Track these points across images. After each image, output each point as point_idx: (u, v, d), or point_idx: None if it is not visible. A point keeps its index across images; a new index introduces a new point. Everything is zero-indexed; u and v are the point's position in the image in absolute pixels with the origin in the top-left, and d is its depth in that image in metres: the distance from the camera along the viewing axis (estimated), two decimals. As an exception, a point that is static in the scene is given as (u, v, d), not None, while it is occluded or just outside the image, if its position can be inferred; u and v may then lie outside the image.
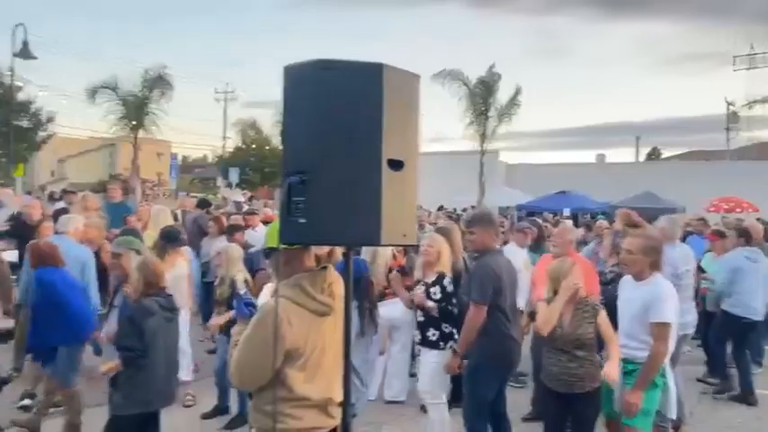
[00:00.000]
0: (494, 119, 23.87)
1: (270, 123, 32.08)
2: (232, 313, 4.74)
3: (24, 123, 22.52)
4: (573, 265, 3.82)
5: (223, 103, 38.72)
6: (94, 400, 5.30)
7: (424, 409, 5.10)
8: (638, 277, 3.70)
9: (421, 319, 4.37)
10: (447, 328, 4.29)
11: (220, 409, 5.23)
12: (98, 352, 4.73)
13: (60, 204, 10.94)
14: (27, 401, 5.29)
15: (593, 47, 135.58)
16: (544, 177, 29.62)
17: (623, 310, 3.78)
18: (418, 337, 4.39)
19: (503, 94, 23.95)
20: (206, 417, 5.18)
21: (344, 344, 2.24)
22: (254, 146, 32.27)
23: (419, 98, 2.24)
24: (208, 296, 6.66)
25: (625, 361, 3.64)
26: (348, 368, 2.23)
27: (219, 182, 33.85)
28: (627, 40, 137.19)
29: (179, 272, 5.52)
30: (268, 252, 2.59)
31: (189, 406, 5.42)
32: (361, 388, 3.40)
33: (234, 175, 23.56)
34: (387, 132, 2.03)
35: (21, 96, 21.35)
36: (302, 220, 2.03)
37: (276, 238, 2.44)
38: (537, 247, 6.60)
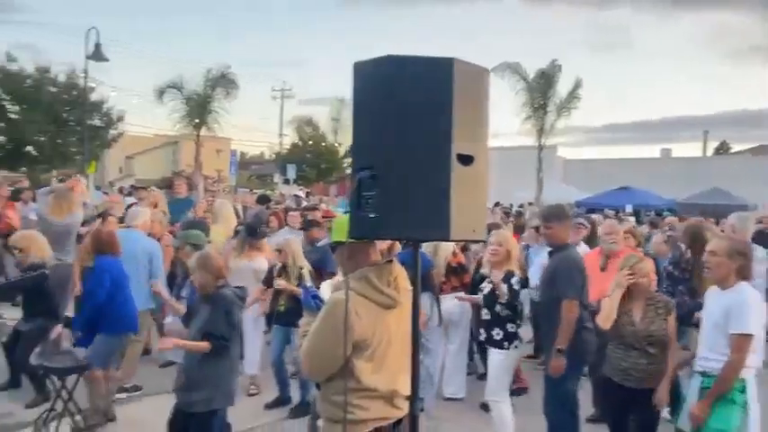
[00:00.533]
0: (552, 113, 23.29)
1: (325, 120, 32.62)
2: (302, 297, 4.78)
3: (97, 122, 23.72)
4: (641, 260, 3.71)
5: (280, 101, 39.49)
6: (155, 389, 5.59)
7: (484, 407, 5.09)
8: (723, 284, 3.36)
9: (487, 317, 4.35)
10: (512, 328, 4.26)
11: (283, 399, 5.37)
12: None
13: (130, 200, 11.47)
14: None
15: (657, 38, 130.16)
16: (604, 173, 28.76)
17: (705, 320, 3.49)
18: (483, 336, 4.37)
19: (562, 88, 23.36)
20: (269, 406, 5.33)
21: (413, 338, 2.25)
22: (310, 142, 32.80)
23: (489, 92, 2.23)
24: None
25: (703, 374, 3.37)
26: (416, 362, 2.24)
27: (276, 178, 34.61)
28: (693, 32, 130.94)
29: (257, 265, 5.71)
30: (334, 245, 2.64)
31: (253, 395, 5.59)
32: (428, 382, 3.41)
33: (291, 171, 24.03)
34: (457, 127, 2.02)
35: (93, 97, 22.46)
36: (372, 215, 2.06)
37: (343, 233, 2.49)
38: (590, 243, 6.44)
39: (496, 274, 4.33)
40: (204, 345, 3.54)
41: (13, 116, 22.84)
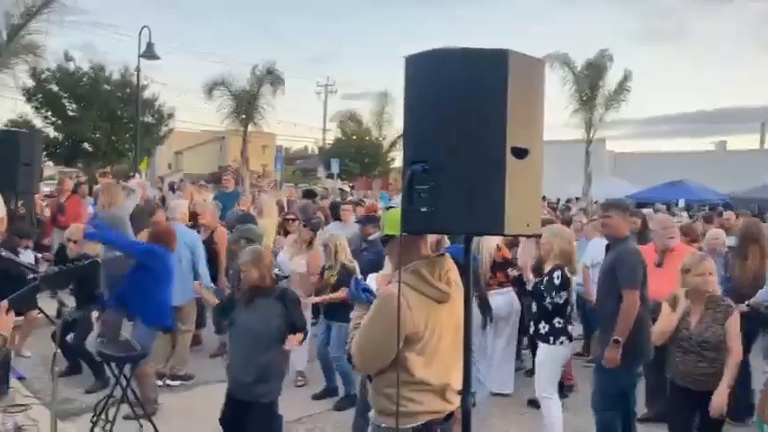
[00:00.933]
0: (601, 105, 22.65)
1: (369, 115, 32.70)
2: (345, 294, 4.86)
3: (149, 119, 24.50)
4: (702, 259, 3.58)
5: (323, 96, 39.81)
6: (205, 378, 5.74)
7: (532, 403, 5.03)
8: None
9: (534, 311, 4.32)
10: (559, 323, 4.20)
11: (330, 390, 5.44)
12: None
13: (180, 194, 11.81)
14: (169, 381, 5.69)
15: (712, 25, 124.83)
16: (656, 166, 27.87)
17: None
18: (532, 329, 4.34)
19: (611, 80, 22.68)
20: (316, 397, 5.41)
21: (465, 332, 2.24)
22: (354, 137, 32.98)
23: (544, 84, 2.19)
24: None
25: None
26: (468, 357, 2.24)
27: (320, 173, 34.97)
28: (750, 19, 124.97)
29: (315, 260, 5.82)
30: (385, 239, 2.65)
31: (300, 386, 5.68)
32: (480, 378, 3.38)
33: (335, 165, 24.24)
34: (511, 120, 2.00)
35: (146, 94, 23.20)
36: (425, 209, 2.05)
37: (395, 226, 2.49)
38: (641, 238, 6.25)
39: (546, 268, 4.29)
40: (299, 338, 3.74)
41: (70, 113, 23.83)
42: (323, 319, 5.39)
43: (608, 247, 4.15)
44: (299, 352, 5.81)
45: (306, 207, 10.15)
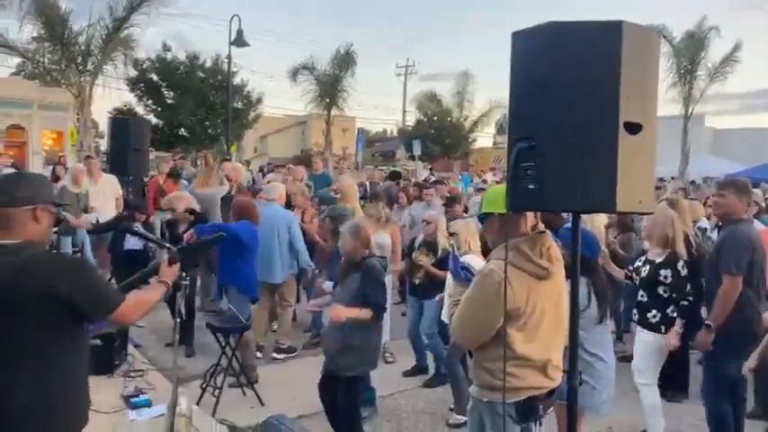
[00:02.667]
0: (702, 78, 21.13)
1: (449, 95, 32.27)
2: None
3: (238, 105, 25.55)
4: None
5: (403, 78, 39.71)
6: (310, 351, 5.99)
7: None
8: None
9: (643, 299, 4.16)
10: (672, 313, 4.05)
11: (420, 368, 5.54)
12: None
13: (272, 176, 12.28)
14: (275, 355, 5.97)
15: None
16: (759, 144, 25.76)
17: None
18: (636, 317, 4.19)
19: (714, 51, 21.06)
20: (407, 374, 5.52)
21: (571, 313, 2.23)
22: (435, 118, 32.72)
23: (659, 57, 2.11)
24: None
25: None
26: (575, 336, 2.22)
27: (399, 154, 34.99)
28: None
29: (381, 240, 5.90)
30: (482, 217, 2.66)
31: (390, 363, 5.82)
32: (598, 380, 3.20)
33: (417, 147, 24.20)
34: (625, 94, 1.95)
35: (235, 81, 24.18)
36: (531, 186, 2.05)
37: (495, 204, 2.51)
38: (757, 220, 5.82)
39: (656, 254, 4.14)
40: (367, 312, 3.69)
41: (168, 101, 25.29)
42: (413, 297, 5.46)
43: (719, 228, 3.94)
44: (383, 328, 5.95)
45: (389, 188, 10.31)
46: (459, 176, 17.23)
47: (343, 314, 3.62)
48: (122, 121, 9.37)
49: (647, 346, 4.05)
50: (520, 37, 2.13)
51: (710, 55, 20.97)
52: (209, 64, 25.66)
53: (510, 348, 2.31)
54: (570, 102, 1.97)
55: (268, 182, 8.94)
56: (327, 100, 23.80)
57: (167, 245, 2.79)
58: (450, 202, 6.85)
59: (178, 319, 3.49)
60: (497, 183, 12.70)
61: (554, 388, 2.45)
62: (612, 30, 1.94)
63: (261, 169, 17.84)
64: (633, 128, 1.98)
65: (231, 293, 5.15)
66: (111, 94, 25.93)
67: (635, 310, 4.22)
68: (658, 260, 4.15)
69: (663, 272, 4.10)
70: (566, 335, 2.37)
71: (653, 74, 2.09)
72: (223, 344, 4.77)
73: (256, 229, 5.31)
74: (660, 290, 4.11)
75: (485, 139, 38.27)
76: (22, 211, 2.10)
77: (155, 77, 25.16)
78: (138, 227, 3.76)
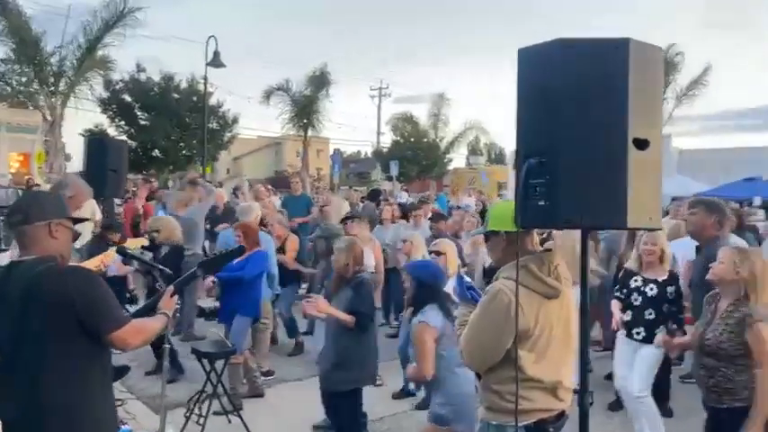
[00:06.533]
0: (670, 100, 21.78)
1: (425, 117, 32.60)
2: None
3: (214, 125, 25.37)
4: None
5: (377, 100, 40.01)
6: (284, 376, 5.86)
7: (611, 406, 4.92)
8: None
9: (650, 317, 4.25)
10: (672, 325, 4.15)
11: (408, 391, 5.44)
12: None
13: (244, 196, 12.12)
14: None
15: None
16: (725, 163, 26.52)
17: None
18: (642, 334, 4.26)
19: (681, 74, 21.77)
20: (396, 397, 5.42)
21: (581, 330, 2.21)
22: (412, 139, 32.96)
23: (662, 72, 2.13)
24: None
25: None
26: (585, 356, 2.19)
27: (375, 175, 35.06)
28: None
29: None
30: (488, 235, 2.63)
31: (378, 385, 5.69)
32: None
33: (394, 168, 24.30)
34: (633, 110, 1.96)
35: (211, 101, 24.02)
36: (542, 203, 2.03)
37: (501, 222, 2.48)
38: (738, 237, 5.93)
39: (657, 273, 4.26)
40: (350, 318, 3.72)
41: (142, 122, 24.96)
42: (404, 319, 5.39)
43: (698, 249, 4.02)
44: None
45: (367, 207, 10.37)
46: (436, 197, 17.31)
47: (324, 309, 3.69)
48: (99, 141, 9.14)
49: (653, 360, 4.14)
50: (526, 53, 2.13)
51: (677, 78, 21.66)
52: (184, 85, 25.48)
53: (520, 370, 2.26)
54: (579, 117, 1.98)
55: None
56: (305, 120, 23.79)
57: (161, 267, 2.71)
58: (437, 218, 6.86)
59: (167, 345, 3.36)
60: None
61: (563, 410, 2.41)
62: (619, 46, 1.96)
63: (234, 190, 17.61)
64: (641, 144, 1.99)
65: (239, 319, 5.13)
66: (81, 116, 25.54)
67: (641, 328, 4.25)
68: (661, 278, 4.25)
69: (669, 288, 4.24)
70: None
71: (657, 90, 2.11)
72: (208, 369, 4.61)
73: (267, 251, 5.43)
74: (664, 307, 4.22)
75: (459, 159, 38.73)
76: (36, 227, 2.18)
77: (128, 98, 24.83)
78: (129, 249, 3.66)
